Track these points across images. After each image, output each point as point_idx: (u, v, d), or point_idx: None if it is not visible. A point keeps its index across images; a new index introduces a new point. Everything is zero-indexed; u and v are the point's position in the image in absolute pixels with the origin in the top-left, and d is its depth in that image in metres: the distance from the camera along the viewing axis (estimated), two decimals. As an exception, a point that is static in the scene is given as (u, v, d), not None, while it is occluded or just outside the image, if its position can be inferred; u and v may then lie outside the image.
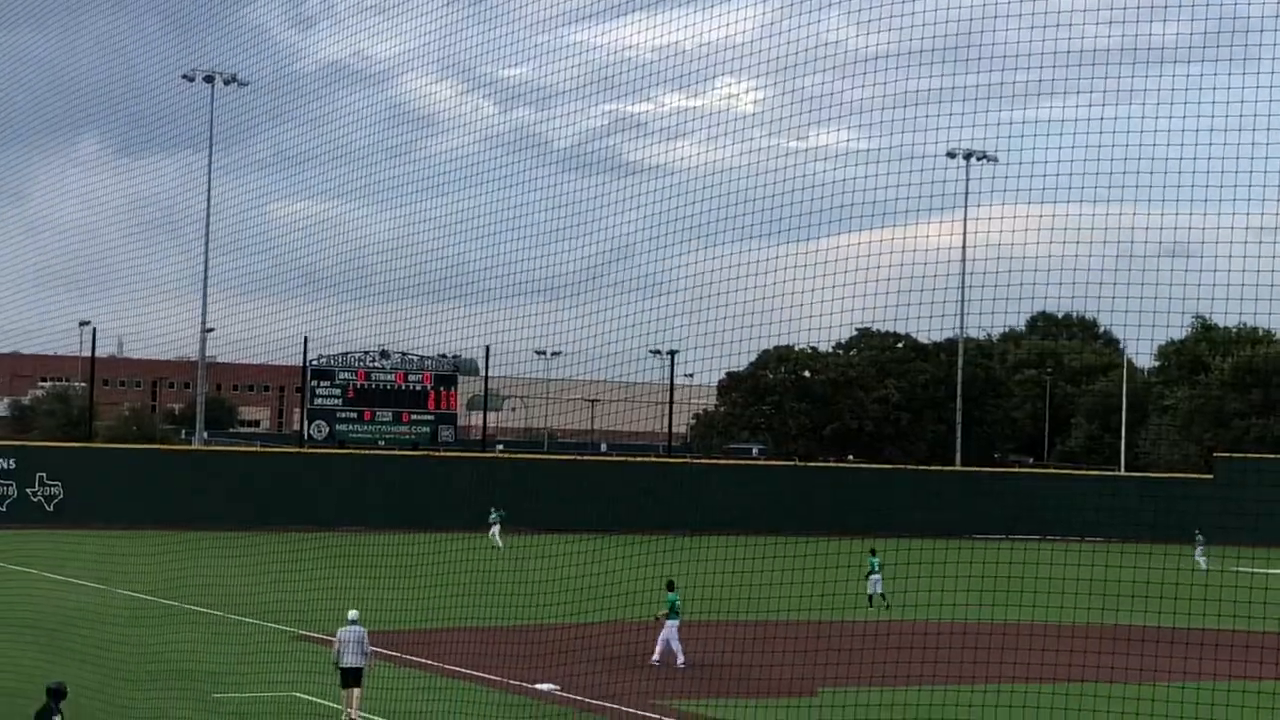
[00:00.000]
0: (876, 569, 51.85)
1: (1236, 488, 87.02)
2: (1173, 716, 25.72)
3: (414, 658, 37.71)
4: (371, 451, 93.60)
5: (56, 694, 21.69)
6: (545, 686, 33.81)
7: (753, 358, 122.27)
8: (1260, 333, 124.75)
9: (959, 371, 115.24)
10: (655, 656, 37.61)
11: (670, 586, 37.70)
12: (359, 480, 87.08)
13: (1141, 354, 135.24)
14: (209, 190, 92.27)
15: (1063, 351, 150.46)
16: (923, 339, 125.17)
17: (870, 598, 51.24)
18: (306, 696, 32.09)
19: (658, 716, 30.96)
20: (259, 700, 32.02)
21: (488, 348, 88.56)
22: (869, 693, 31.06)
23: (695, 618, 37.78)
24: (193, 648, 37.62)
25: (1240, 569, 52.38)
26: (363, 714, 30.45)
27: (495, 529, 77.87)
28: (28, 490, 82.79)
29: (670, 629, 37.79)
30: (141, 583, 50.18)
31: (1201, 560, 69.49)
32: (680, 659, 37.47)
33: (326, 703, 31.16)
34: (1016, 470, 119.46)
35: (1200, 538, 74.29)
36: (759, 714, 31.18)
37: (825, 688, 32.00)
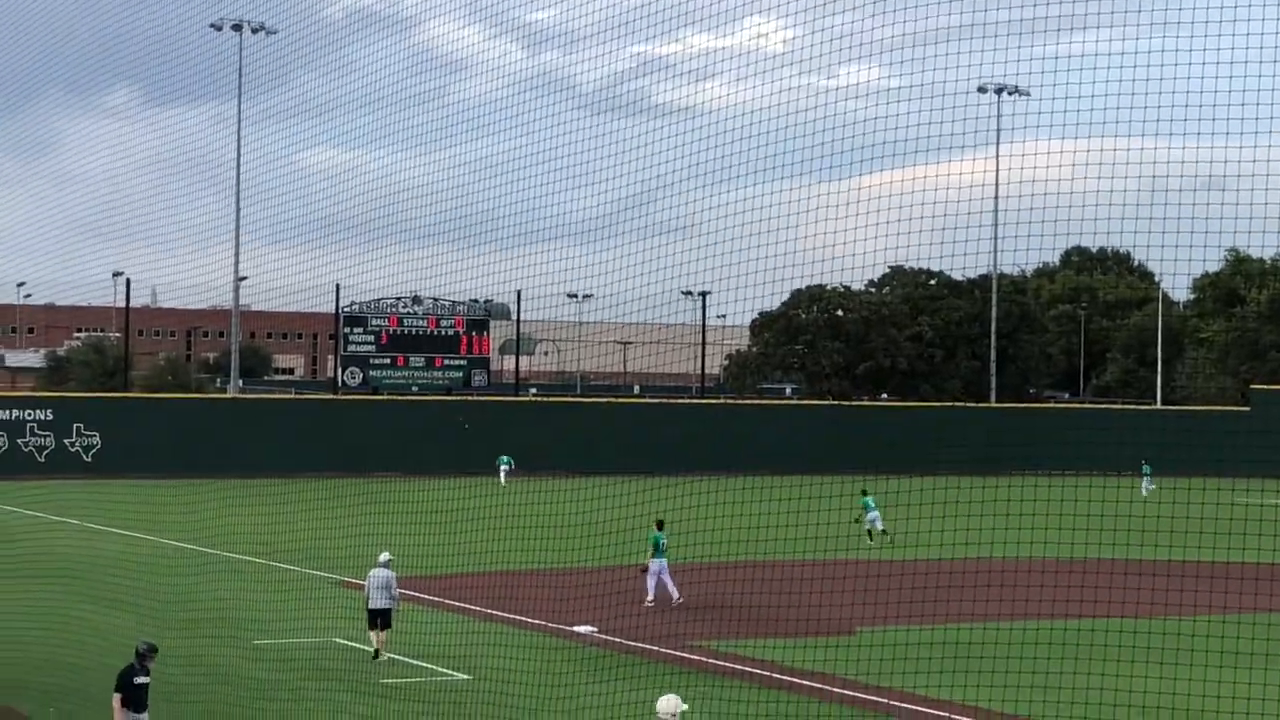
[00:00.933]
0: (872, 507, 53.39)
1: (1274, 420, 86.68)
2: (1213, 650, 25.66)
3: (452, 601, 37.90)
4: (405, 397, 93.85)
5: (145, 655, 21.29)
6: (583, 629, 33.93)
7: (785, 297, 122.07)
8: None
9: (993, 308, 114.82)
10: (650, 598, 37.83)
11: (659, 525, 37.90)
12: (393, 426, 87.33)
13: (1177, 288, 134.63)
14: (239, 139, 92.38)
15: (1097, 286, 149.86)
16: (956, 276, 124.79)
17: (869, 533, 52.70)
18: (345, 641, 32.29)
19: (697, 658, 31.06)
20: (299, 646, 32.24)
21: (519, 292, 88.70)
22: (907, 631, 31.09)
23: (729, 558, 37.85)
24: (232, 594, 37.90)
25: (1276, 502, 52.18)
26: (391, 654, 30.70)
27: (503, 471, 78.69)
28: (65, 441, 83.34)
29: (658, 566, 38.07)
30: (180, 531, 50.52)
31: (1146, 490, 71.76)
32: (675, 597, 37.76)
33: (366, 648, 31.35)
34: (1052, 406, 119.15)
35: (1146, 468, 76.68)
36: (800, 654, 31.25)
37: (863, 627, 32.04)
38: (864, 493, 53.57)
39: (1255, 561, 31.13)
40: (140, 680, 21.25)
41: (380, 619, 31.09)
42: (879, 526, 53.24)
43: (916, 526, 51.06)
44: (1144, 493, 70.39)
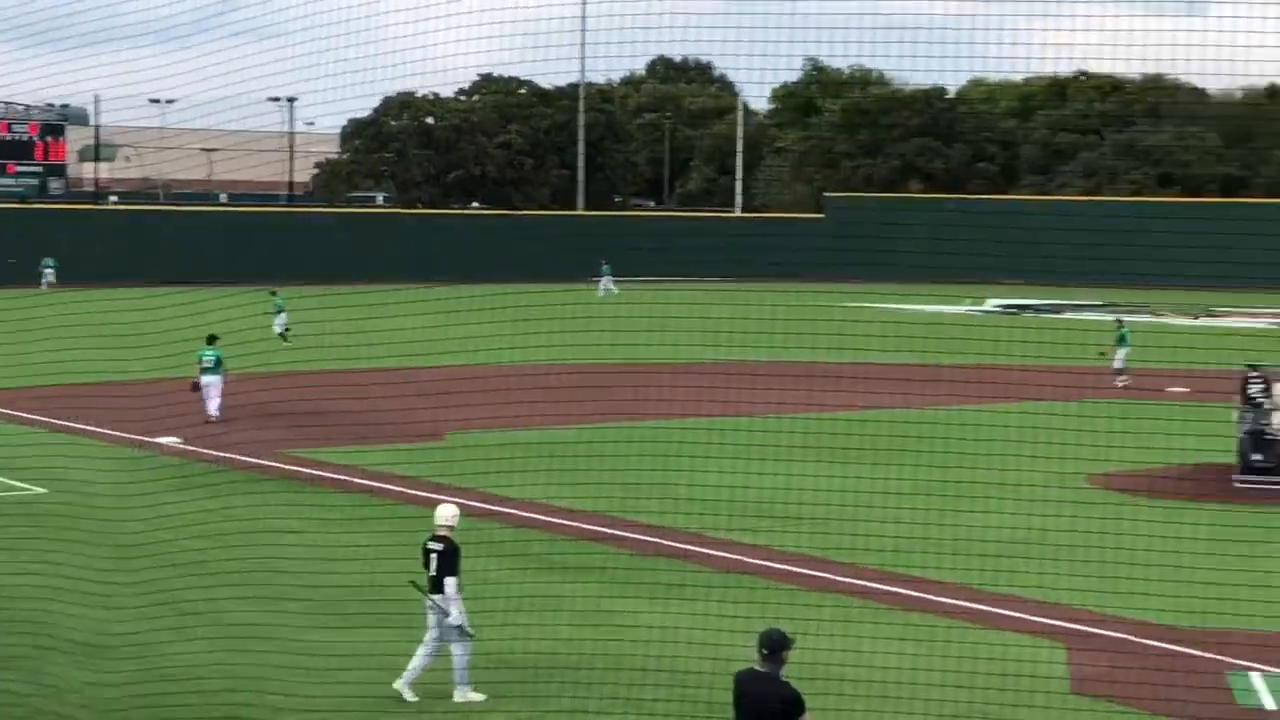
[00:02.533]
0: (281, 308, 53.47)
1: (845, 225, 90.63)
2: (789, 445, 26.82)
3: (15, 413, 36.52)
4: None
5: None
6: (167, 439, 33.24)
7: (375, 104, 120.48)
8: (872, 75, 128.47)
9: (580, 116, 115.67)
10: (212, 414, 36.88)
11: (209, 341, 35.69)
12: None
13: (757, 97, 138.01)
14: None
15: (682, 95, 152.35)
16: (545, 84, 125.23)
17: (282, 335, 51.34)
18: None
19: (279, 465, 30.77)
20: None
21: (97, 95, 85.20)
22: (500, 434, 31.45)
23: (308, 367, 37.53)
24: None
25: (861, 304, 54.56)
26: None
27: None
28: None
29: (212, 381, 36.83)
30: None
31: (604, 290, 75.08)
32: (214, 414, 36.20)
33: None
34: (638, 213, 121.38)
35: (605, 267, 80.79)
36: (378, 457, 31.26)
37: (451, 432, 32.34)
38: (273, 293, 53.79)
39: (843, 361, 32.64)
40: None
41: None
42: (282, 329, 52.06)
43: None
44: (601, 293, 72.74)
